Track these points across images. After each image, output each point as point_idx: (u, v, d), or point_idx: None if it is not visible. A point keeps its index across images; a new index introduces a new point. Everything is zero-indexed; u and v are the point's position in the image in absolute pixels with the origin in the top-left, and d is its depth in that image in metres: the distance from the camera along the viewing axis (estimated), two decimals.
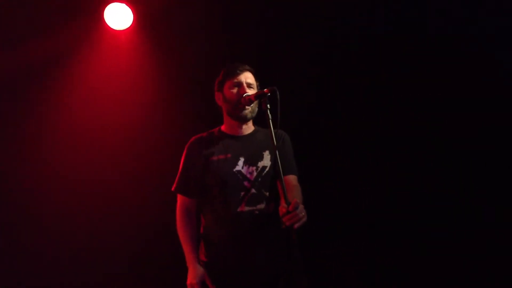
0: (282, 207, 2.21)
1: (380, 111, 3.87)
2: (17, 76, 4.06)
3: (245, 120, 2.67)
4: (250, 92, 2.59)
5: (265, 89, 2.40)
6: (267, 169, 2.60)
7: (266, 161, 2.62)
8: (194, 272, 2.55)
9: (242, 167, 2.59)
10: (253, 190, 2.56)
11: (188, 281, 2.54)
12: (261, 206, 2.55)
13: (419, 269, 3.68)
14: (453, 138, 3.70)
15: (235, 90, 2.62)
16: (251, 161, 2.61)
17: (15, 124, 4.07)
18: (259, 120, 2.65)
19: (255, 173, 2.58)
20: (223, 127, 2.76)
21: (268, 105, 2.36)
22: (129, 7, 3.93)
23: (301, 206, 2.20)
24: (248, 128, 2.73)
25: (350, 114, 3.92)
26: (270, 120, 2.34)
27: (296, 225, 2.15)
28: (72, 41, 4.02)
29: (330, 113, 3.93)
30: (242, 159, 2.60)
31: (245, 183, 2.56)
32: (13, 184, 4.01)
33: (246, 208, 2.53)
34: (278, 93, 2.32)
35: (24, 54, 4.00)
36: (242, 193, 2.55)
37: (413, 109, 3.77)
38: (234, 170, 2.58)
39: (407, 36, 3.76)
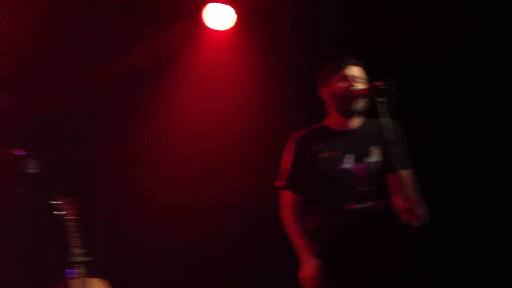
0: (400, 204, 2.15)
1: None
2: (126, 80, 4.31)
3: (354, 115, 2.59)
4: (360, 86, 2.52)
5: (377, 82, 2.33)
6: (376, 165, 2.51)
7: (375, 156, 2.53)
8: (312, 264, 2.47)
9: (350, 164, 2.51)
10: (362, 188, 2.49)
11: (307, 273, 2.46)
12: (371, 203, 2.48)
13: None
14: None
15: (343, 84, 2.55)
16: (359, 157, 2.53)
17: (127, 123, 4.35)
18: (370, 113, 2.57)
19: (363, 170, 2.50)
20: (327, 122, 2.69)
21: (381, 99, 2.29)
22: (231, 7, 3.97)
23: (422, 204, 2.12)
24: (356, 122, 2.63)
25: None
26: (382, 114, 2.26)
27: (416, 223, 2.09)
28: (175, 45, 4.16)
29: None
30: (349, 156, 2.53)
31: (354, 180, 2.50)
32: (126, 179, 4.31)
33: (356, 206, 2.47)
34: (393, 87, 2.24)
35: (130, 59, 4.21)
36: (351, 191, 2.49)
37: None
38: (342, 167, 2.52)
39: None
